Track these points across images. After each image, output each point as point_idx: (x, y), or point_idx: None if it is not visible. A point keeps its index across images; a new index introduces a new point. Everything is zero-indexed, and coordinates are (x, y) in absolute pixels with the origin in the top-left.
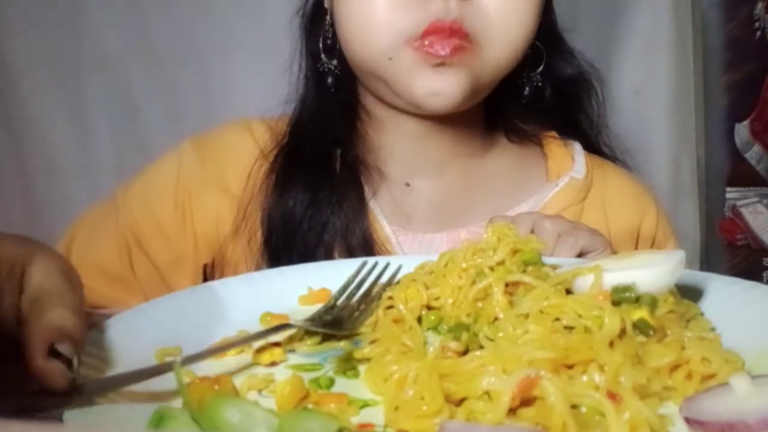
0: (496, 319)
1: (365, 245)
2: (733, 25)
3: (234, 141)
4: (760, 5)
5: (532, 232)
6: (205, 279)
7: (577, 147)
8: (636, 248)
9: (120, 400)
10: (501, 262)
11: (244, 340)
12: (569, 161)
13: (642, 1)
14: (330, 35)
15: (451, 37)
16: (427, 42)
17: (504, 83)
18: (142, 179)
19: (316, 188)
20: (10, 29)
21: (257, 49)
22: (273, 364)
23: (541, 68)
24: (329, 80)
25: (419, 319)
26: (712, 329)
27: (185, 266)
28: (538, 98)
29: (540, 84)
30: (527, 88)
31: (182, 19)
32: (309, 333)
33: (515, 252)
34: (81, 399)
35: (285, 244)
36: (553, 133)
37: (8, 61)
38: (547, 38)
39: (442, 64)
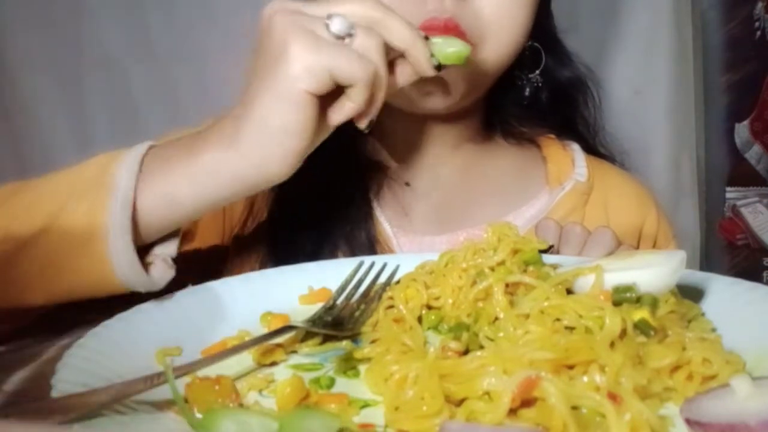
0: (496, 319)
1: (369, 247)
2: (733, 25)
3: None
4: (760, 5)
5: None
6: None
7: (576, 148)
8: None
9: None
10: (501, 262)
11: (246, 345)
12: (569, 164)
13: (642, 1)
14: None
15: (446, 34)
16: None
17: (502, 84)
18: None
19: (322, 188)
20: (10, 29)
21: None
22: (273, 363)
23: (539, 69)
24: None
25: (419, 319)
26: (713, 330)
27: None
28: (536, 100)
29: (539, 85)
30: (527, 90)
31: (182, 19)
32: (310, 334)
33: (515, 252)
34: (82, 414)
35: (291, 243)
36: (551, 135)
37: (9, 61)
38: (544, 40)
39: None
